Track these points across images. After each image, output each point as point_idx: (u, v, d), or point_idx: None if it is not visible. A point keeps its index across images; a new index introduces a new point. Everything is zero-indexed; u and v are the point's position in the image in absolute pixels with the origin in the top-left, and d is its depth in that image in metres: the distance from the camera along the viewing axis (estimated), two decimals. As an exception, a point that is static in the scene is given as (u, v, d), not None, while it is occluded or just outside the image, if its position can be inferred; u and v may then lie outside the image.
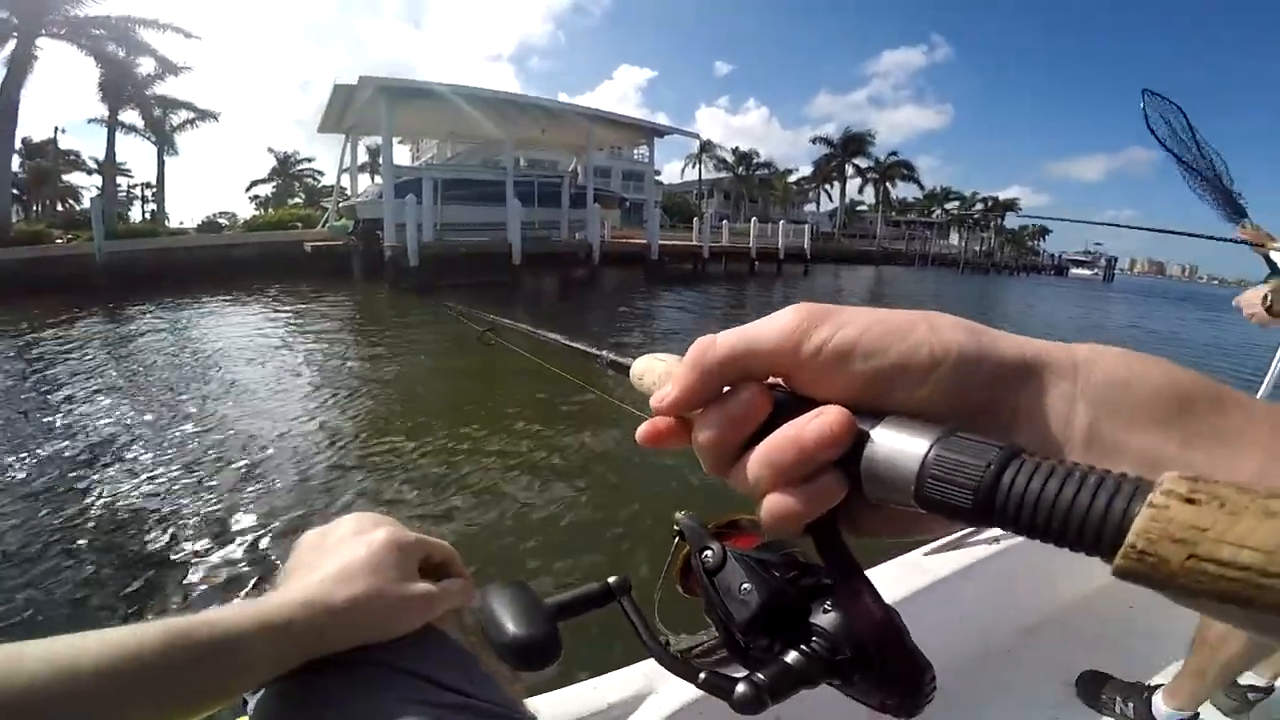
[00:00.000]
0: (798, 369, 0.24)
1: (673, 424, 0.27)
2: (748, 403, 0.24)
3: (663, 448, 0.27)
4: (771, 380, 0.25)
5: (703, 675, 0.29)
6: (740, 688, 0.26)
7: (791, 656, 0.27)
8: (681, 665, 0.33)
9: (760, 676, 0.27)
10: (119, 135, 23.22)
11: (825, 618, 0.27)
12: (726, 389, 0.25)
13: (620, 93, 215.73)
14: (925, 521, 0.23)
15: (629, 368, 0.33)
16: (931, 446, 0.20)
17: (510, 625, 0.40)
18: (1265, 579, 0.14)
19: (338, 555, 0.49)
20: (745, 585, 0.30)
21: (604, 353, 0.39)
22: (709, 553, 0.33)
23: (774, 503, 0.23)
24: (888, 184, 51.22)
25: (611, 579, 0.44)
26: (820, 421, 0.22)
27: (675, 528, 0.37)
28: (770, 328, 0.24)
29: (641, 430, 0.28)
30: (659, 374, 0.31)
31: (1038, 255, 72.52)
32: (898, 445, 0.21)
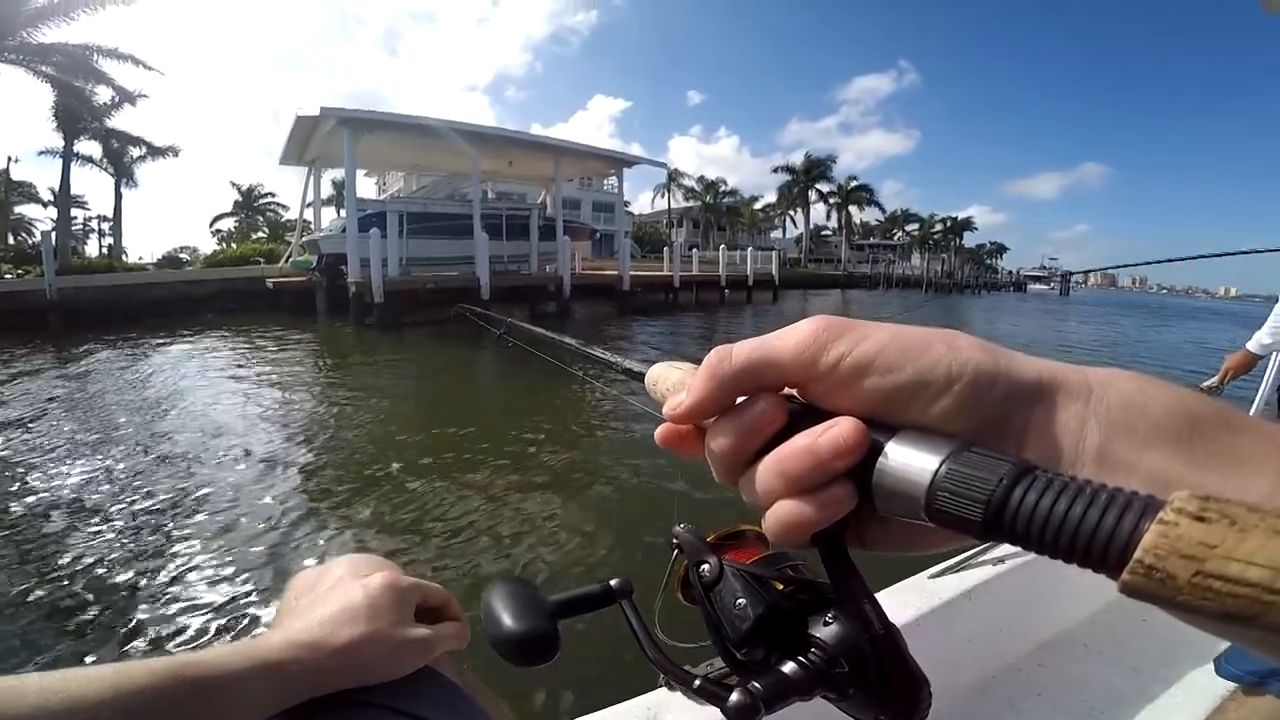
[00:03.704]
0: (813, 381, 0.24)
1: (688, 429, 0.28)
2: (762, 413, 0.25)
3: (677, 451, 0.28)
4: (786, 391, 0.26)
5: (698, 681, 0.30)
6: (735, 696, 0.26)
7: (788, 667, 0.27)
8: (677, 670, 0.33)
9: (756, 685, 0.26)
10: (75, 167, 22.69)
11: (825, 630, 0.27)
12: (741, 399, 0.25)
13: (595, 123, 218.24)
14: (931, 536, 0.23)
15: (644, 375, 0.34)
16: (944, 461, 0.20)
17: (509, 620, 0.39)
18: (1270, 596, 0.14)
19: (334, 597, 0.50)
20: (741, 600, 0.31)
21: (619, 359, 0.40)
22: (706, 567, 0.33)
23: (784, 510, 0.23)
24: (850, 208, 52.53)
25: (614, 581, 0.43)
26: (835, 432, 0.22)
27: (674, 540, 0.37)
28: (787, 340, 0.24)
29: (660, 432, 0.28)
30: (673, 382, 0.31)
31: (997, 273, 74.88)
32: (910, 459, 0.21)
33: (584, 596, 0.43)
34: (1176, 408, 0.20)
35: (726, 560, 0.33)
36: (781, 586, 0.31)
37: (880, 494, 0.22)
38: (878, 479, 0.22)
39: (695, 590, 0.33)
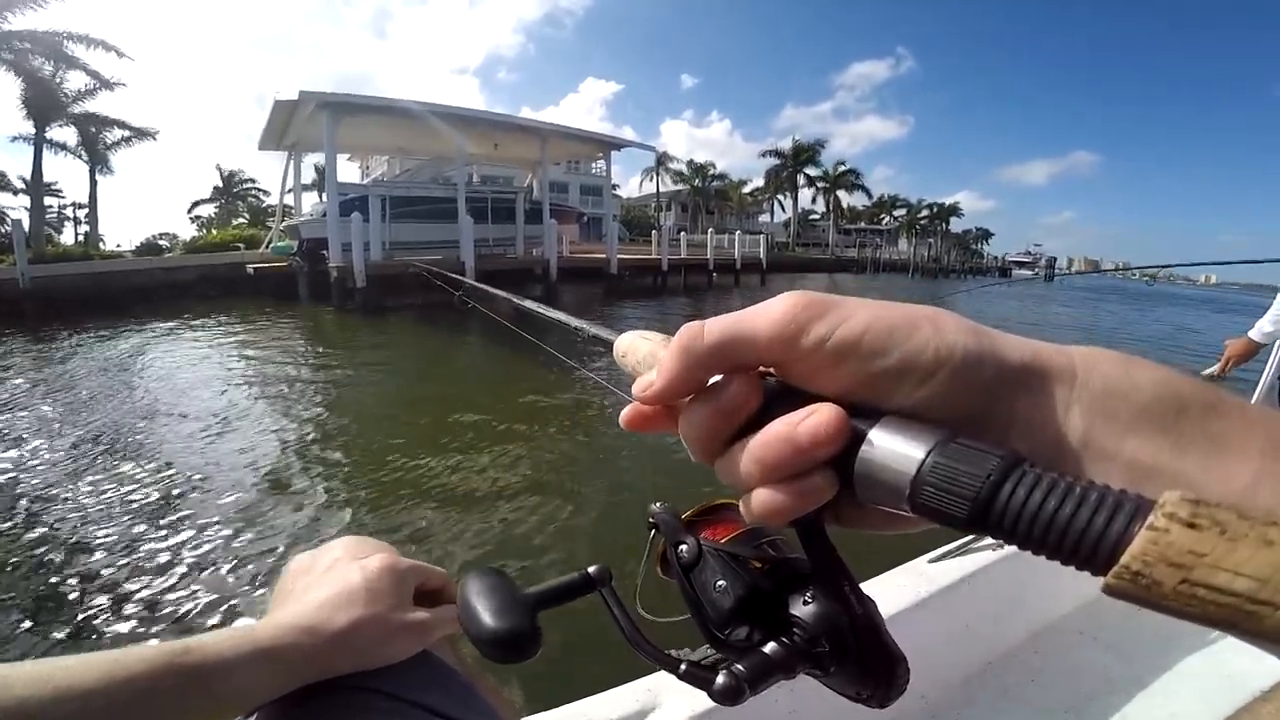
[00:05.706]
0: (793, 362, 0.23)
1: (659, 410, 0.26)
2: (737, 394, 0.23)
3: (645, 431, 0.27)
4: (762, 369, 0.24)
5: (683, 666, 0.29)
6: (720, 678, 0.27)
7: (770, 647, 0.27)
8: (662, 656, 0.32)
9: (740, 667, 0.27)
10: (48, 153, 22.07)
11: (805, 609, 0.27)
12: (715, 379, 0.24)
13: (586, 105, 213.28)
14: (912, 520, 0.22)
15: (613, 344, 0.32)
16: (929, 452, 0.19)
17: (487, 617, 0.37)
18: (1252, 605, 0.14)
19: (332, 580, 0.49)
20: (721, 582, 0.30)
21: (585, 325, 0.39)
22: (684, 547, 0.33)
23: (762, 498, 0.22)
24: (838, 193, 52.50)
25: (592, 568, 0.41)
26: (814, 420, 0.21)
27: (650, 520, 0.36)
28: (764, 317, 0.23)
29: (625, 415, 0.27)
30: (643, 354, 0.30)
31: (983, 258, 75.33)
32: (895, 448, 0.20)
33: (563, 587, 0.40)
34: (1163, 391, 0.20)
35: (704, 539, 0.33)
36: (760, 564, 0.31)
37: (861, 483, 0.21)
38: (859, 469, 0.21)
39: (675, 571, 0.33)
